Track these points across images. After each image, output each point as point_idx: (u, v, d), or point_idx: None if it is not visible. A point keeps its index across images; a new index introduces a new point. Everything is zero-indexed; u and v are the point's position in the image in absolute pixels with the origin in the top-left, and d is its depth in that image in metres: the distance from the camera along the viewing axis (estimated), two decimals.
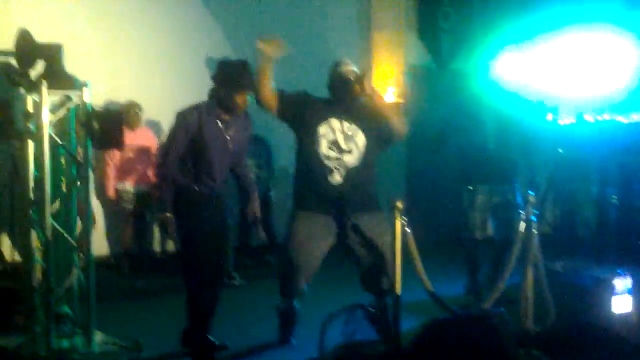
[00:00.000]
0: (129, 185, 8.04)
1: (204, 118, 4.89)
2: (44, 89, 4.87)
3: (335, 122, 5.22)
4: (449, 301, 5.13)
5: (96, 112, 5.04)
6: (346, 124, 5.24)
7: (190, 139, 4.87)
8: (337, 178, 5.21)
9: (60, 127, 5.28)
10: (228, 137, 4.99)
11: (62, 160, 5.38)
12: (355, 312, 5.01)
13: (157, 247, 8.79)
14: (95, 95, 5.24)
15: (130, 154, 7.96)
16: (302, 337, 5.43)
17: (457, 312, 5.11)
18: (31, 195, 5.06)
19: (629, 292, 5.46)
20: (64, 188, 5.36)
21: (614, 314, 5.38)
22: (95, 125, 4.98)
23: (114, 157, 7.98)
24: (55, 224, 5.08)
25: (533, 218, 5.30)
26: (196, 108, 4.94)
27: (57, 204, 5.14)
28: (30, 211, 5.10)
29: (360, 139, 5.25)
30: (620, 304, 5.41)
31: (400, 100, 9.59)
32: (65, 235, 5.19)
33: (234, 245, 7.65)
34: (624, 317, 5.41)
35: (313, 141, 5.20)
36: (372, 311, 5.14)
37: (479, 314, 4.98)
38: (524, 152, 6.87)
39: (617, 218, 8.18)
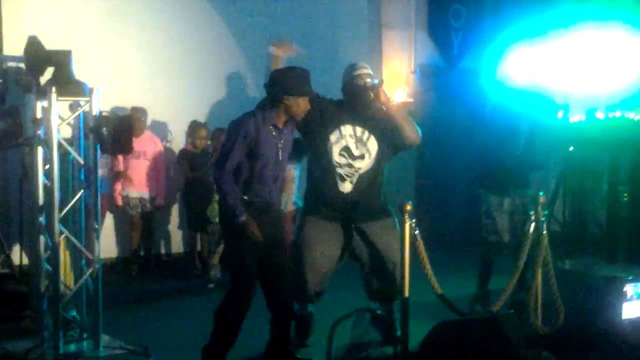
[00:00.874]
0: (133, 192, 8.08)
1: (260, 127, 4.77)
2: (53, 95, 4.88)
3: (347, 128, 5.20)
4: (457, 303, 5.11)
5: (105, 117, 5.04)
6: (359, 129, 5.21)
7: (247, 147, 4.74)
8: (347, 185, 5.19)
9: (70, 132, 5.30)
10: (280, 146, 4.87)
11: (71, 166, 5.38)
12: (364, 315, 5.01)
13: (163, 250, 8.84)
14: (103, 102, 5.24)
15: (134, 160, 7.98)
16: (313, 339, 5.44)
17: (465, 314, 5.10)
18: (40, 200, 5.09)
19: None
20: (71, 193, 5.37)
21: (624, 317, 5.35)
22: (105, 130, 4.98)
23: (118, 164, 8.02)
24: (64, 229, 5.10)
25: (543, 219, 5.28)
26: (253, 115, 4.82)
27: (65, 210, 5.15)
28: (40, 217, 5.12)
29: (373, 144, 5.24)
30: (631, 309, 5.37)
31: (410, 99, 9.57)
32: (74, 240, 5.20)
33: None
34: (634, 322, 5.38)
35: (324, 148, 5.19)
36: (380, 314, 5.13)
37: (488, 316, 4.95)
38: (545, 153, 6.83)
39: (627, 215, 8.14)
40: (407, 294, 4.77)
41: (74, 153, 5.15)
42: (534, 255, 5.29)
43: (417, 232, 4.77)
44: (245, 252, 4.77)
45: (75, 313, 5.42)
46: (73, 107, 5.47)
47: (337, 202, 5.19)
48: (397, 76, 9.82)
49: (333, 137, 5.18)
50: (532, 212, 5.32)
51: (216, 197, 6.74)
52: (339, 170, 5.17)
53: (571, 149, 8.48)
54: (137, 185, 8.11)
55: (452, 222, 9.73)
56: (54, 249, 5.02)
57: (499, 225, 6.44)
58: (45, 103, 4.97)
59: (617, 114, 8.25)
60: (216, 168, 4.84)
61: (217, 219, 7.59)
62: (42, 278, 5.17)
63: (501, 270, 6.24)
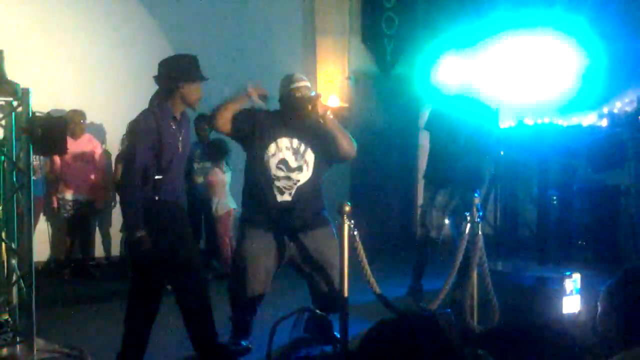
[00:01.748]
0: (68, 194, 7.97)
1: (160, 121, 4.66)
2: None
3: (284, 141, 5.18)
4: (396, 303, 5.16)
5: (38, 117, 4.95)
6: (295, 141, 5.20)
7: (150, 148, 4.62)
8: (285, 197, 5.18)
9: (1, 134, 5.18)
10: (180, 138, 4.80)
11: (2, 167, 5.26)
12: (303, 314, 5.02)
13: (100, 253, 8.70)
14: (37, 104, 5.13)
15: (71, 162, 7.88)
16: (252, 338, 5.40)
17: (403, 313, 5.15)
18: None
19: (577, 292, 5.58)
20: (2, 195, 5.25)
21: (559, 313, 5.49)
22: (38, 131, 4.89)
23: (55, 166, 7.90)
24: None
25: (478, 220, 5.38)
26: (151, 112, 4.70)
27: None
28: None
29: (310, 156, 5.22)
30: (569, 304, 5.52)
31: (345, 105, 9.63)
32: (6, 242, 5.08)
33: None
34: (570, 317, 5.52)
35: (262, 161, 5.16)
36: (319, 314, 5.14)
37: (426, 314, 5.01)
38: (483, 155, 6.99)
39: (557, 218, 8.36)
40: (346, 294, 4.79)
41: (6, 154, 5.04)
42: (469, 255, 5.39)
43: (355, 232, 4.79)
44: (141, 258, 4.70)
45: (7, 317, 5.29)
46: (3, 108, 5.34)
47: (275, 214, 5.18)
48: (331, 82, 9.87)
49: (270, 151, 5.16)
50: (468, 213, 5.41)
51: None
52: (277, 183, 5.16)
53: (502, 153, 8.68)
54: (73, 188, 7.97)
55: (387, 223, 9.90)
56: None
57: (427, 220, 6.73)
58: None
59: (546, 119, 8.47)
60: (124, 174, 4.77)
61: None
62: None
63: (438, 269, 6.34)
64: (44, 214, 8.18)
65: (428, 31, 9.90)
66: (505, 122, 8.76)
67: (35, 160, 7.11)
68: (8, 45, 5.54)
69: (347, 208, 4.71)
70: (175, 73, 4.71)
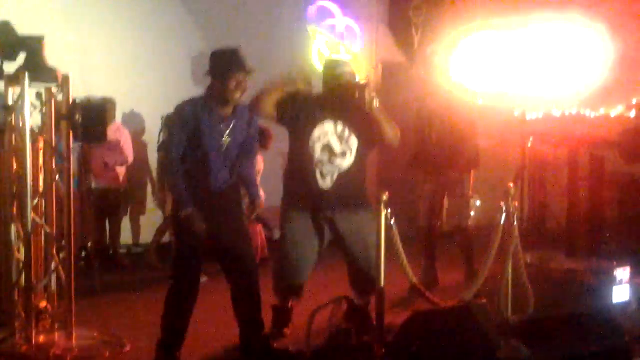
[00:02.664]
0: (98, 183, 7.98)
1: (199, 113, 4.69)
2: (26, 81, 4.80)
3: (329, 125, 5.18)
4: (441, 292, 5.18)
5: (79, 104, 4.98)
6: (340, 126, 5.19)
7: (184, 135, 4.68)
8: (327, 182, 5.20)
9: (40, 120, 5.22)
10: (224, 132, 4.78)
11: (42, 154, 5.30)
12: (341, 304, 5.04)
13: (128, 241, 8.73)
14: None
15: (95, 151, 7.87)
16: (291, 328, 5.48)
17: (440, 304, 5.16)
18: (13, 189, 5.00)
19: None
20: (42, 182, 5.29)
21: (596, 303, 5.51)
22: (79, 118, 4.92)
23: (86, 154, 7.91)
24: (37, 219, 5.03)
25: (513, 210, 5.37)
26: (189, 102, 4.75)
27: (37, 199, 5.08)
28: (11, 205, 5.04)
29: (353, 141, 5.22)
30: (619, 294, 5.57)
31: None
32: (47, 229, 5.13)
33: None
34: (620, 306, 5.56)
35: (307, 145, 5.16)
36: (357, 304, 5.16)
37: (462, 305, 5.02)
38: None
39: (586, 210, 8.31)
40: (382, 283, 4.81)
41: (47, 141, 5.08)
42: (504, 246, 5.38)
43: (392, 222, 4.81)
44: (185, 243, 4.77)
45: (45, 304, 5.34)
46: (41, 95, 5.36)
47: (318, 197, 5.20)
48: (358, 71, 9.86)
49: (316, 134, 5.16)
50: (503, 203, 5.39)
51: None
52: (320, 167, 5.17)
53: (530, 143, 8.64)
54: (96, 176, 7.99)
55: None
56: (26, 238, 4.94)
57: (422, 210, 6.80)
58: (17, 89, 4.90)
59: (574, 110, 8.41)
60: (164, 161, 4.82)
61: None
62: (14, 268, 5.08)
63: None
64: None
65: (456, 20, 9.85)
66: (533, 113, 8.71)
67: None
68: (45, 31, 5.58)
69: (385, 197, 4.74)
70: (214, 67, 4.75)
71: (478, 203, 7.01)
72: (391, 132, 5.18)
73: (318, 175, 5.19)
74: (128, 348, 5.11)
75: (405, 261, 4.97)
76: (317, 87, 5.32)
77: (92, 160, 7.90)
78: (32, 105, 4.97)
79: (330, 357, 4.83)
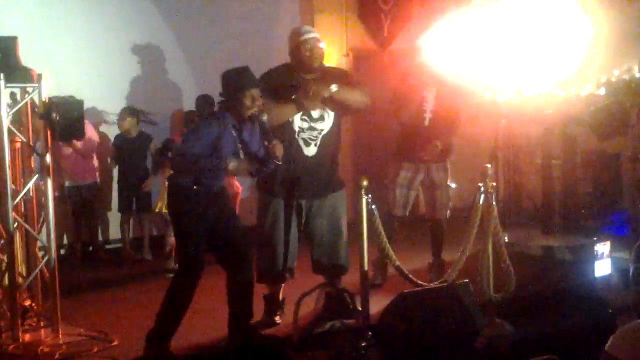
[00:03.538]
0: (70, 181, 7.93)
1: (222, 129, 4.81)
2: (1, 82, 4.78)
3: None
4: (415, 275, 5.23)
5: (55, 103, 4.97)
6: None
7: (207, 147, 4.76)
8: (312, 149, 5.31)
9: (18, 120, 5.20)
10: (238, 143, 4.94)
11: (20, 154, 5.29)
12: (326, 290, 5.09)
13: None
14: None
15: (63, 150, 7.82)
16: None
17: (423, 285, 5.22)
18: None
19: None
20: (21, 181, 5.28)
21: (578, 279, 5.61)
22: (55, 115, 4.91)
23: (57, 154, 7.84)
24: (18, 218, 5.02)
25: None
26: (215, 119, 4.88)
27: (18, 198, 5.07)
28: None
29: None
30: (600, 268, 5.66)
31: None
32: (28, 228, 5.12)
33: None
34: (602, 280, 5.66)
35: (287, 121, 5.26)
36: (341, 289, 5.21)
37: (446, 285, 5.09)
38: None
39: (560, 189, 8.40)
40: (366, 267, 4.87)
41: (23, 139, 5.07)
42: (483, 226, 5.44)
43: (373, 207, 4.86)
44: (193, 232, 4.83)
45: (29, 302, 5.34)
46: (21, 94, 5.34)
47: (301, 171, 5.27)
48: (329, 60, 9.88)
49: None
50: (481, 184, 5.45)
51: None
52: (302, 135, 5.28)
53: (503, 122, 8.69)
54: (68, 174, 7.94)
55: None
56: (8, 238, 4.94)
57: (390, 197, 6.65)
58: None
59: (547, 90, 8.47)
60: (182, 152, 4.87)
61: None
62: None
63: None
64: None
65: (425, 5, 9.89)
66: (505, 94, 8.77)
67: None
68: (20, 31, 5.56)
69: (365, 182, 4.79)
70: (227, 87, 4.87)
71: (453, 185, 7.01)
72: (358, 100, 5.40)
73: (302, 143, 5.29)
74: (116, 342, 5.12)
75: (388, 245, 5.04)
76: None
77: (63, 158, 7.84)
78: (9, 105, 4.95)
79: (318, 341, 4.88)
